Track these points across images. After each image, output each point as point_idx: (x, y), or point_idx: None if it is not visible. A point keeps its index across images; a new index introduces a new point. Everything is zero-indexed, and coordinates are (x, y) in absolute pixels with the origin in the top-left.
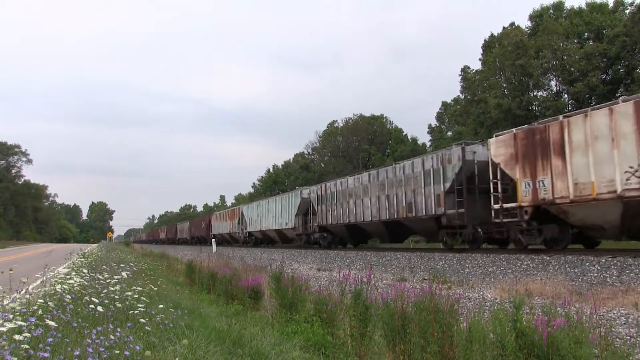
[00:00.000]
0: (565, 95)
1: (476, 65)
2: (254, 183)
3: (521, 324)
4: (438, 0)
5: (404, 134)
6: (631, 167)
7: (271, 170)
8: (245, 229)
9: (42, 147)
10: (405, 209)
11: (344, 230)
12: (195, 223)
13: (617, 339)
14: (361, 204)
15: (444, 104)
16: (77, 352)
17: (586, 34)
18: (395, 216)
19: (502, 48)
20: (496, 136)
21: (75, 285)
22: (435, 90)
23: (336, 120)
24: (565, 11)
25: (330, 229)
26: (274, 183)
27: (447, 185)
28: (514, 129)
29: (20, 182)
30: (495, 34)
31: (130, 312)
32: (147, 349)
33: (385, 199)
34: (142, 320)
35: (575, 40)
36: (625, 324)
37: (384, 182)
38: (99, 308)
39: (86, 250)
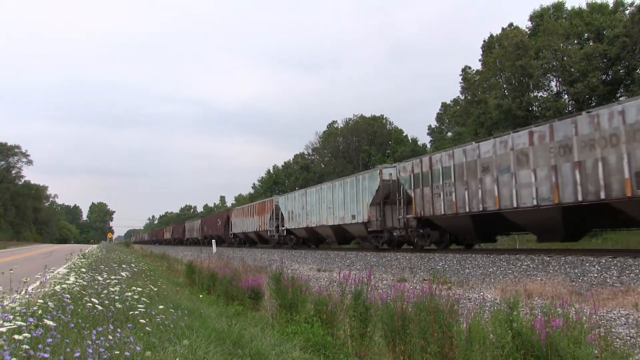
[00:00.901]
0: (566, 96)
1: (476, 65)
2: (254, 183)
3: (519, 324)
4: (438, 0)
5: (404, 134)
6: None
7: (271, 171)
8: (282, 225)
9: (42, 148)
10: (629, 182)
11: (467, 223)
12: (209, 221)
13: (617, 340)
14: (511, 180)
15: (444, 105)
16: (77, 353)
17: (586, 34)
18: (600, 196)
19: (502, 48)
20: None
21: (75, 285)
22: (435, 90)
23: (336, 121)
24: (565, 12)
25: (439, 223)
26: (274, 183)
27: None
28: None
29: (20, 183)
30: (495, 35)
31: (131, 312)
32: (147, 350)
33: (570, 169)
34: (142, 320)
35: (575, 41)
36: (625, 324)
37: (570, 142)
38: (99, 308)
39: (86, 251)
